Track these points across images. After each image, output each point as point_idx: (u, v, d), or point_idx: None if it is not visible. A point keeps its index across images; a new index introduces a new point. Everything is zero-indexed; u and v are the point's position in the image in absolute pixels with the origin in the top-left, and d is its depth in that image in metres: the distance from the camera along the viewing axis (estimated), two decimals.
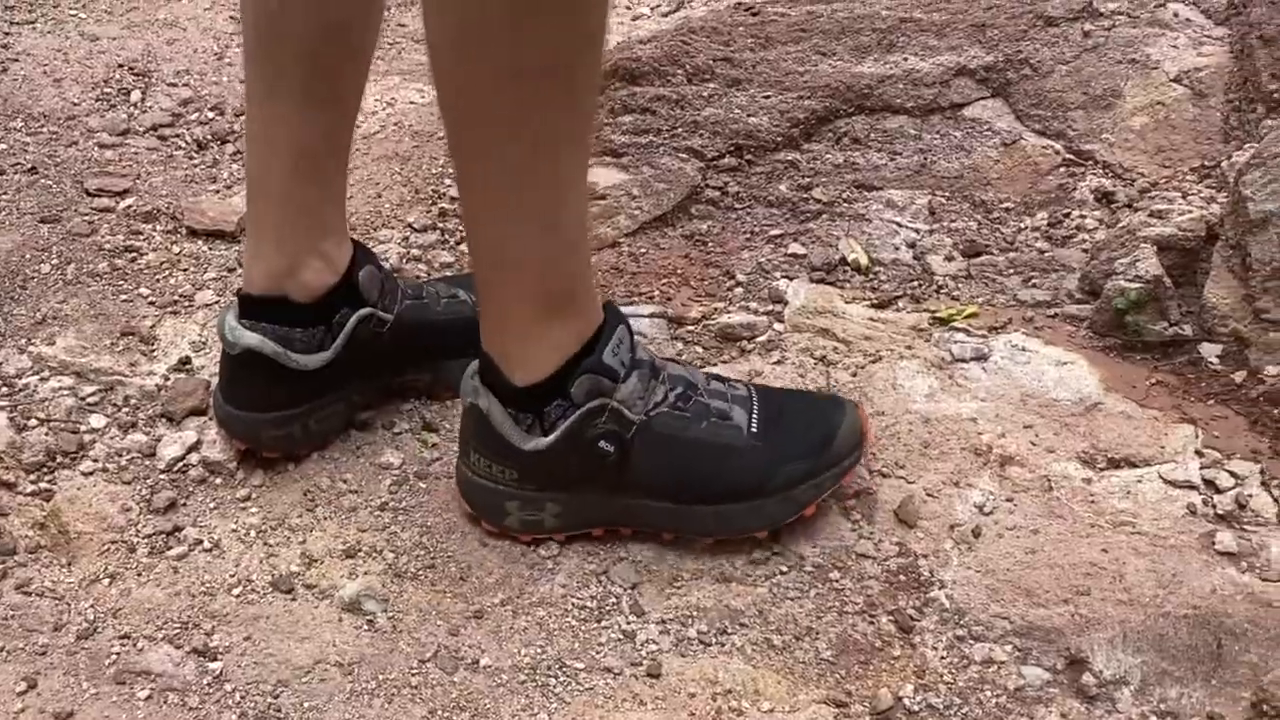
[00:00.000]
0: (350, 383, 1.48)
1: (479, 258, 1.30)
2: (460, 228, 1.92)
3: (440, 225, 1.92)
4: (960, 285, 1.71)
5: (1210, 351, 1.51)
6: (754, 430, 1.36)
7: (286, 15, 1.32)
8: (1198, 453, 1.41)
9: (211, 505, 1.44)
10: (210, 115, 2.09)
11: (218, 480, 1.47)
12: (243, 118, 2.10)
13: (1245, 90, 1.72)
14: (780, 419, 1.37)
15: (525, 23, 1.09)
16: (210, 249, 1.81)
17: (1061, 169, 1.81)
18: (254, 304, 1.41)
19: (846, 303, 1.71)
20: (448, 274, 1.83)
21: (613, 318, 1.31)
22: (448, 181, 2.01)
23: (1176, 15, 1.87)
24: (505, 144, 1.17)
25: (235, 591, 1.34)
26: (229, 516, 1.42)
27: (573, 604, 1.32)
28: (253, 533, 1.41)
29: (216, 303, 1.70)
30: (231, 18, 2.37)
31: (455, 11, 1.11)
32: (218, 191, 1.93)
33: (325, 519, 1.42)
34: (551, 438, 1.30)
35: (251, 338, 1.40)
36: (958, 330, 1.63)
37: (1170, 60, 1.83)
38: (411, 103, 2.27)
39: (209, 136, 2.06)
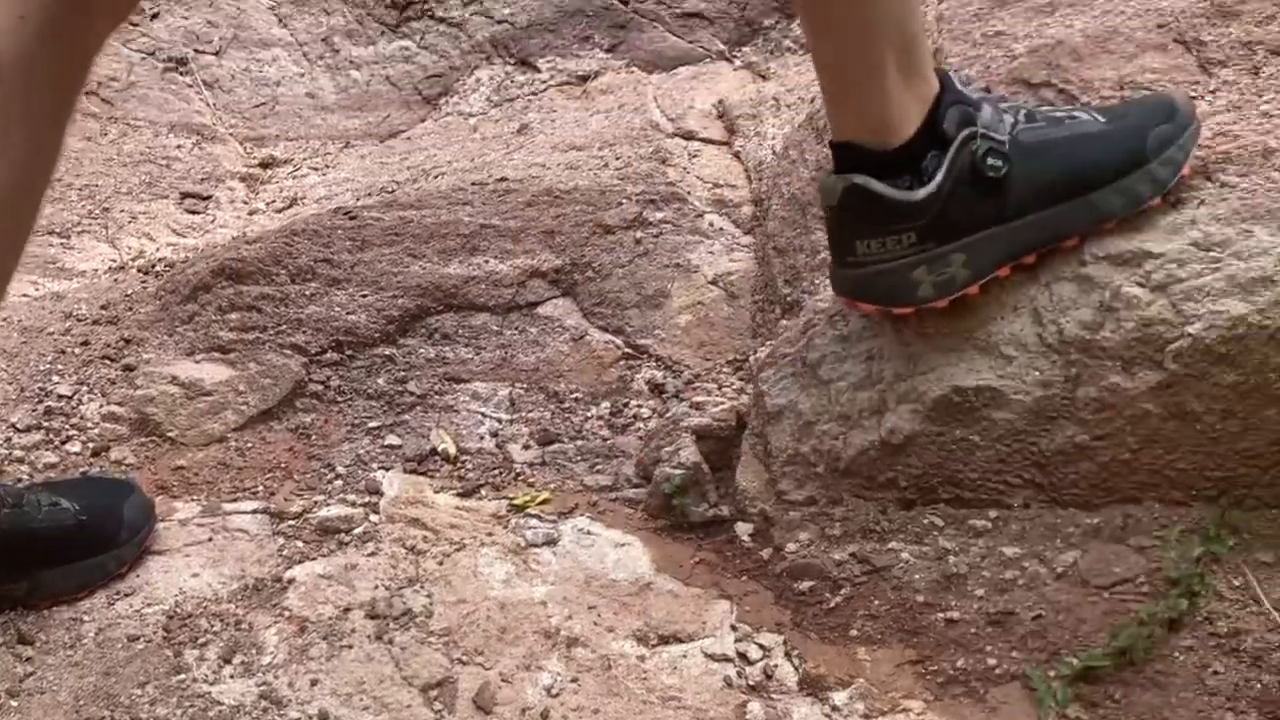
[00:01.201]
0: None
1: (839, 46, 1.27)
2: (65, 427, 1.86)
3: (45, 424, 1.85)
4: (536, 472, 1.77)
5: (744, 530, 1.62)
6: (1101, 120, 1.36)
7: None
8: (733, 627, 1.50)
9: None
10: None
11: None
12: None
13: (766, 293, 1.87)
14: (1116, 108, 1.38)
15: None
16: None
17: (622, 362, 1.91)
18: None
19: (436, 492, 1.74)
20: (51, 476, 1.76)
21: (942, 71, 1.33)
22: (55, 379, 1.94)
23: (712, 224, 2.02)
24: None
25: None
26: None
27: None
28: None
29: None
30: None
31: None
32: None
33: None
34: (940, 175, 1.28)
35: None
36: (532, 516, 1.69)
37: (708, 265, 1.97)
38: (24, 295, 2.18)
39: None
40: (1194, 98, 1.44)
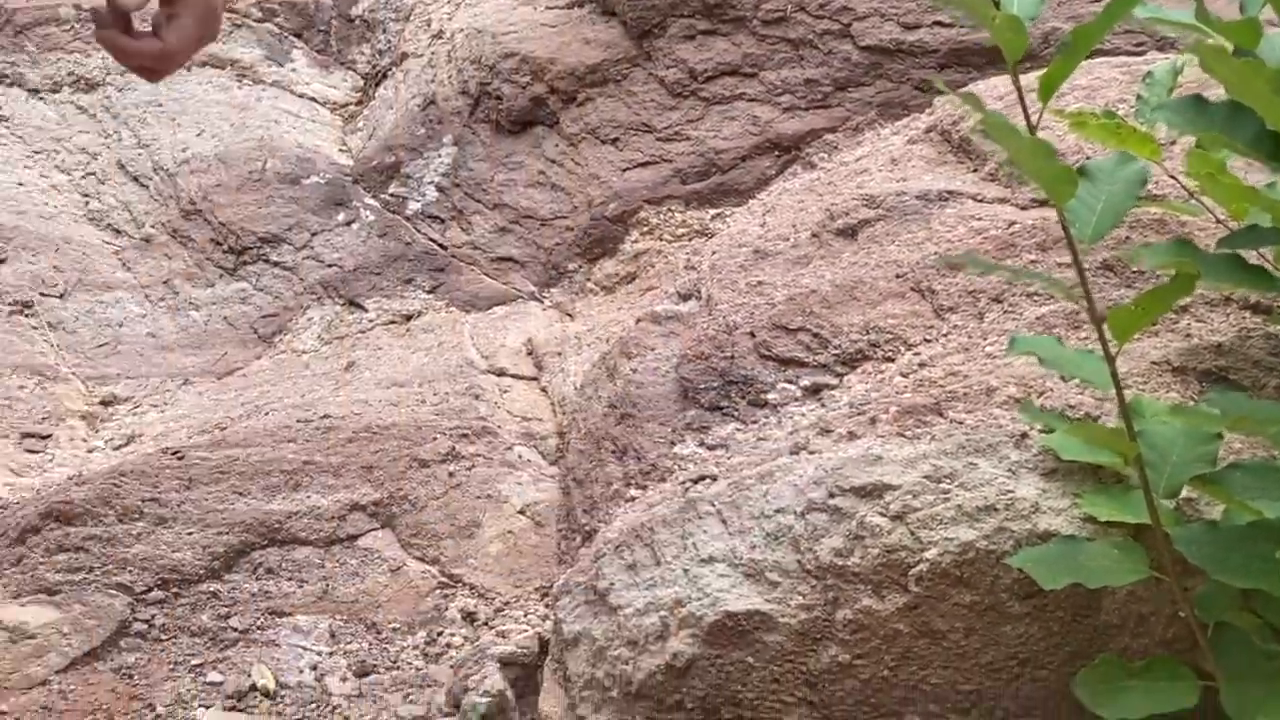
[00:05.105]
0: None
1: None
2: None
3: None
4: (353, 704, 1.77)
5: None
6: None
7: None
8: None
9: None
10: None
11: None
12: None
13: (569, 521, 1.93)
14: None
15: None
16: None
17: (437, 591, 1.94)
18: None
19: None
20: None
21: None
22: None
23: (521, 456, 2.08)
24: None
25: None
26: None
27: None
28: None
29: None
30: None
31: None
32: None
33: None
34: None
35: None
36: None
37: (516, 495, 2.03)
38: None
39: None
40: (929, 340, 1.56)
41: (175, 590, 1.96)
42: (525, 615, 1.83)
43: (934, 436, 1.44)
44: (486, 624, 1.86)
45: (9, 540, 2.06)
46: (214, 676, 1.83)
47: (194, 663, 1.86)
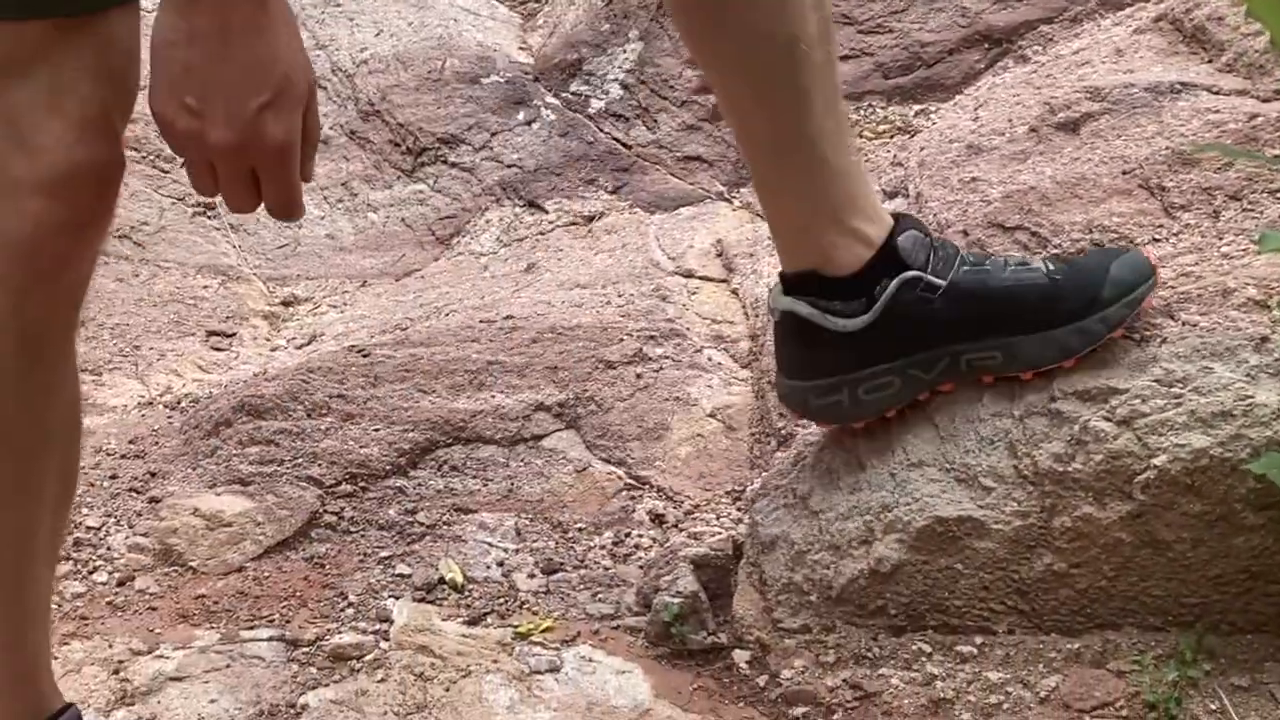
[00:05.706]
0: (900, 353, 1.39)
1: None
2: (93, 558, 1.92)
3: (74, 555, 1.90)
4: (540, 600, 1.81)
5: (741, 658, 1.65)
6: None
7: None
8: None
9: None
10: None
11: None
12: None
13: (763, 425, 1.93)
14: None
15: None
16: None
17: (624, 492, 1.96)
18: (791, 281, 1.38)
19: (443, 620, 1.78)
20: (79, 604, 1.82)
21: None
22: (84, 511, 2.00)
23: (710, 359, 2.08)
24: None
25: None
26: None
27: None
28: None
29: None
30: None
31: None
32: None
33: None
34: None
35: (788, 301, 1.37)
36: (535, 644, 1.72)
37: (706, 398, 2.03)
38: None
39: None
40: (1158, 240, 1.50)
41: (363, 485, 2.02)
42: (717, 518, 1.84)
43: (1165, 339, 1.40)
44: (676, 526, 1.88)
45: (203, 432, 2.14)
46: (403, 569, 1.89)
47: (383, 555, 1.92)
